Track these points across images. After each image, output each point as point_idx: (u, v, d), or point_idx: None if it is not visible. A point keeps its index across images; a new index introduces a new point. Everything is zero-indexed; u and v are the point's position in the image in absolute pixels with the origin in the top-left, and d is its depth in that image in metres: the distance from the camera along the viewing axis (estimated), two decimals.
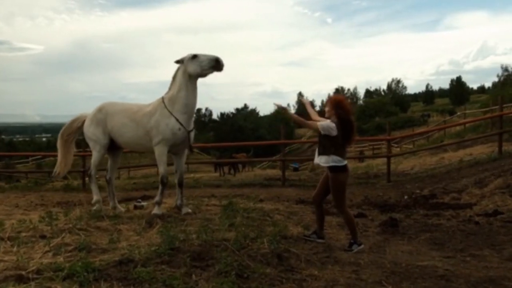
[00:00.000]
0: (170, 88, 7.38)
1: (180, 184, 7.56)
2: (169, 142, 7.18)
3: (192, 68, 7.03)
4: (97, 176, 8.44)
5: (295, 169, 30.61)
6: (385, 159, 20.48)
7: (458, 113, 45.31)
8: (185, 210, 7.41)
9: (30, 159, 47.91)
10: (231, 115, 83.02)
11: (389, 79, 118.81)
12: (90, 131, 7.92)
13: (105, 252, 5.09)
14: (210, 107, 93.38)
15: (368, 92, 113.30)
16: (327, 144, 6.05)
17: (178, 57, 7.22)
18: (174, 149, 7.42)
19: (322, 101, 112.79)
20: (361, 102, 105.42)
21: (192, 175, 25.11)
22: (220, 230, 6.04)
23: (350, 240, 6.29)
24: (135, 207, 8.18)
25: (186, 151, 7.68)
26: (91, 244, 5.30)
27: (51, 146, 54.23)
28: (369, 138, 43.10)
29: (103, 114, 7.81)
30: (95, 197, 7.97)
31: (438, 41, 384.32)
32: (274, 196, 11.72)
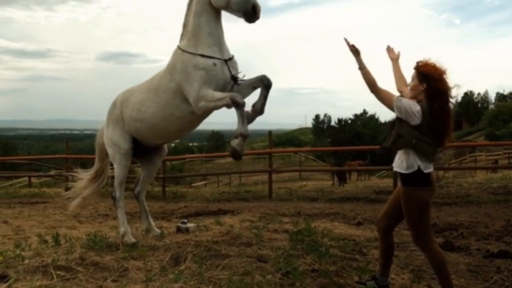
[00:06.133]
0: (184, 25, 5.24)
1: (267, 87, 5.07)
2: (210, 86, 4.91)
3: None
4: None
5: None
6: None
7: None
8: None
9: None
10: (349, 121, 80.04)
11: None
12: (107, 136, 6.00)
13: None
14: (329, 113, 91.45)
15: (501, 96, 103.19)
16: (407, 136, 3.97)
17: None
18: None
19: None
20: (492, 106, 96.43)
21: (304, 183, 23.10)
22: (264, 285, 3.69)
23: None
24: (178, 230, 6.11)
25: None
26: None
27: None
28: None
29: (118, 108, 5.85)
30: (122, 228, 5.88)
31: None
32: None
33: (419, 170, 3.94)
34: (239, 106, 4.71)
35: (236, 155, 4.73)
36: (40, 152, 63.54)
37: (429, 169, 3.97)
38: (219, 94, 4.77)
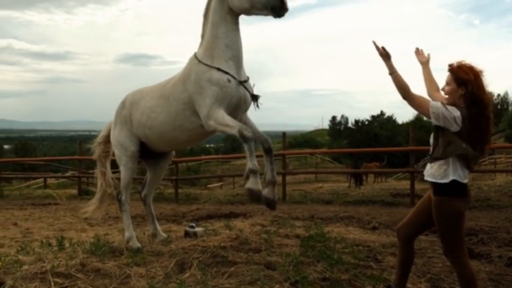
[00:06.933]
0: (202, 35, 5.00)
1: (268, 151, 4.82)
2: (223, 103, 4.66)
3: (238, 0, 4.57)
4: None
5: None
6: None
7: None
8: (268, 192, 4.69)
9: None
10: (366, 123, 79.34)
11: None
12: (114, 136, 5.78)
13: None
14: (346, 115, 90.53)
15: None
16: (456, 142, 3.64)
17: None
18: (233, 114, 4.83)
19: None
20: None
21: (320, 184, 22.76)
22: None
23: None
24: (186, 235, 5.93)
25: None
26: None
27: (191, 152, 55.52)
28: None
29: (126, 109, 5.64)
30: (127, 233, 5.67)
31: None
32: (397, 220, 8.68)
33: (457, 179, 3.65)
34: (247, 140, 4.46)
35: (255, 196, 4.43)
36: (59, 153, 63.96)
37: (466, 179, 3.68)
38: (229, 121, 4.52)
